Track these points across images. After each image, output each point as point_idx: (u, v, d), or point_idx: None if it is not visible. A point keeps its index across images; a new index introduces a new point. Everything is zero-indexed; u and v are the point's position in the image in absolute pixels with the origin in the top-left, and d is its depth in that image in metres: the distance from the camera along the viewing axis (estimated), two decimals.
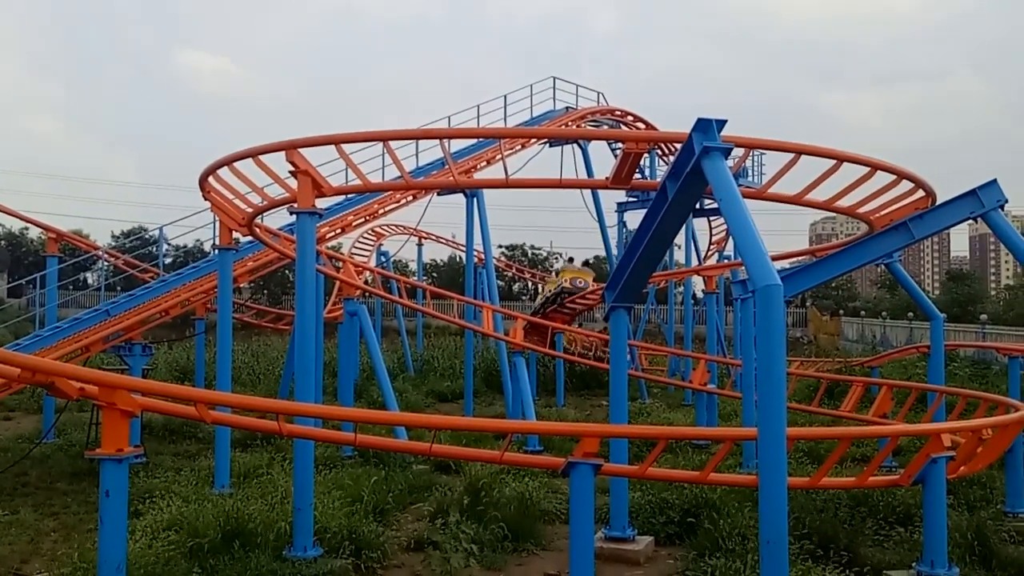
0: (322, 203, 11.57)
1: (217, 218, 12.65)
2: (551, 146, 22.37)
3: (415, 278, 37.54)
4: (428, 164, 19.95)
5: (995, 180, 10.39)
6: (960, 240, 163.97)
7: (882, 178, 10.71)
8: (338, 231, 19.64)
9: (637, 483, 10.89)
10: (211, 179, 11.42)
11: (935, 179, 11.31)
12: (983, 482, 11.44)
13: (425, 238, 34.48)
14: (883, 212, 11.38)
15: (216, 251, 13.61)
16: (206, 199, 12.26)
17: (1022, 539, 9.68)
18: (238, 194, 11.81)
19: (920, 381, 16.98)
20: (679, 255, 29.62)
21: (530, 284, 59.33)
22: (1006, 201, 10.36)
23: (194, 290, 17.33)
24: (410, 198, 20.12)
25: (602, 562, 8.82)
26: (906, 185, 10.91)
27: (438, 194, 20.40)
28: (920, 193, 11.13)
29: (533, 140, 20.27)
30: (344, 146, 10.11)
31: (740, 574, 7.32)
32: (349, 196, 17.85)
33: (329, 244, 23.34)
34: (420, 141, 15.55)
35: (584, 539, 7.04)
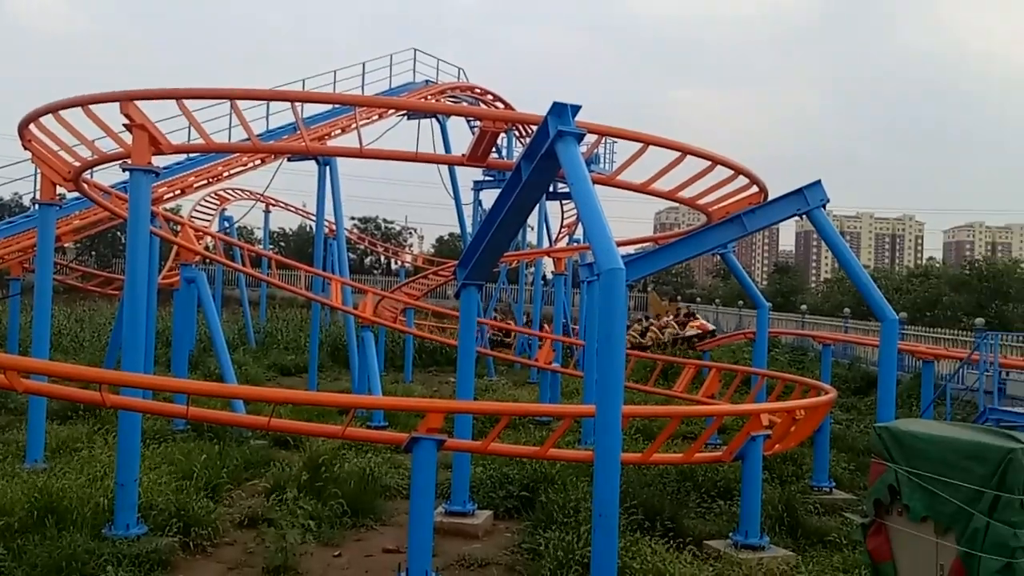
0: (161, 161, 10.92)
1: (39, 170, 11.62)
2: (409, 119, 22.08)
3: (261, 246, 36.17)
4: (279, 128, 19.22)
5: (819, 181, 11.16)
6: (788, 235, 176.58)
7: (721, 172, 11.35)
8: (177, 192, 18.61)
9: (480, 458, 11.04)
10: (33, 127, 10.49)
11: (769, 177, 12.09)
12: (795, 459, 12.40)
13: (273, 205, 33.24)
14: (720, 205, 12.04)
15: (36, 206, 12.54)
16: (27, 148, 11.24)
17: (824, 510, 10.59)
18: (64, 146, 10.92)
19: (746, 365, 18.15)
20: (531, 236, 30.19)
21: (383, 258, 58.64)
22: (828, 201, 11.14)
23: (9, 248, 15.92)
24: (258, 162, 19.34)
25: (441, 536, 8.90)
26: (742, 180, 11.60)
27: (288, 160, 19.68)
28: (754, 189, 11.86)
29: (390, 111, 19.95)
30: (188, 103, 9.55)
31: (573, 545, 7.57)
32: (191, 156, 16.94)
33: (167, 206, 22.05)
34: (271, 103, 14.95)
35: (424, 514, 7.07)
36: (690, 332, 25.83)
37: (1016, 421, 11.34)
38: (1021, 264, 51.72)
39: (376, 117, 20.19)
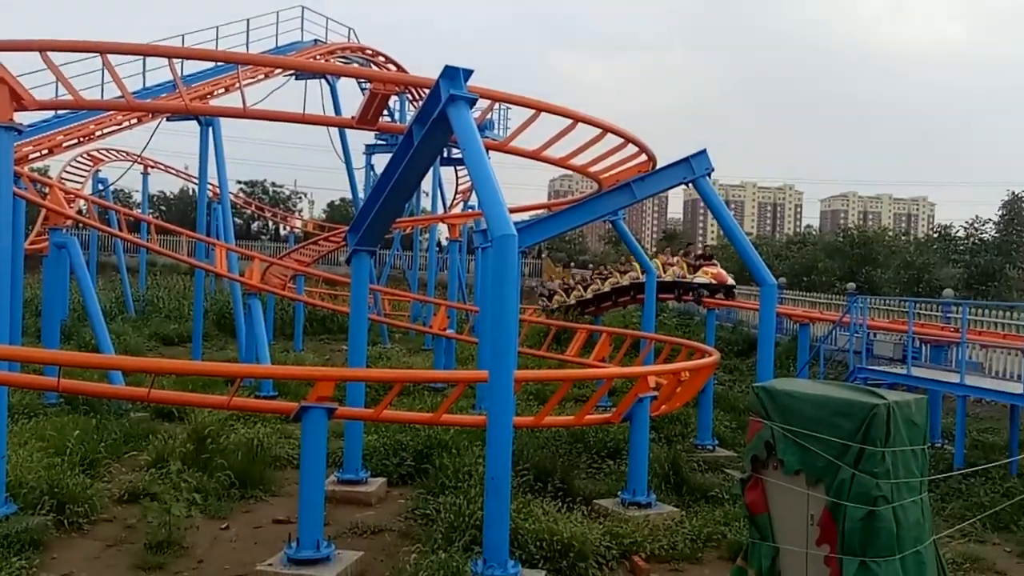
0: (25, 118, 10.18)
1: None
2: (297, 79, 21.36)
3: (139, 210, 34.42)
4: (157, 85, 18.23)
5: (705, 151, 11.50)
6: (676, 203, 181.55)
7: (612, 140, 11.49)
8: (44, 151, 17.39)
9: (373, 426, 10.97)
10: None
11: (657, 145, 12.34)
12: (681, 419, 12.89)
13: (152, 167, 31.64)
14: (611, 172, 12.21)
15: None
16: None
17: (708, 467, 11.08)
18: None
19: (636, 329, 18.65)
20: (426, 202, 29.89)
21: (271, 223, 56.90)
22: (712, 169, 11.49)
23: None
24: (134, 121, 18.28)
25: (334, 505, 8.82)
26: (632, 149, 11.79)
27: (167, 119, 18.70)
28: (643, 157, 12.07)
29: (277, 70, 19.22)
30: (53, 56, 8.91)
31: (465, 509, 7.64)
32: (59, 113, 15.86)
33: (34, 166, 20.64)
34: (147, 58, 14.11)
35: (314, 483, 6.97)
36: (699, 279, 19.58)
37: (882, 379, 12.12)
38: (889, 232, 55.07)
39: (262, 76, 19.42)
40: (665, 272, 19.96)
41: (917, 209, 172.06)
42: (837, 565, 5.29)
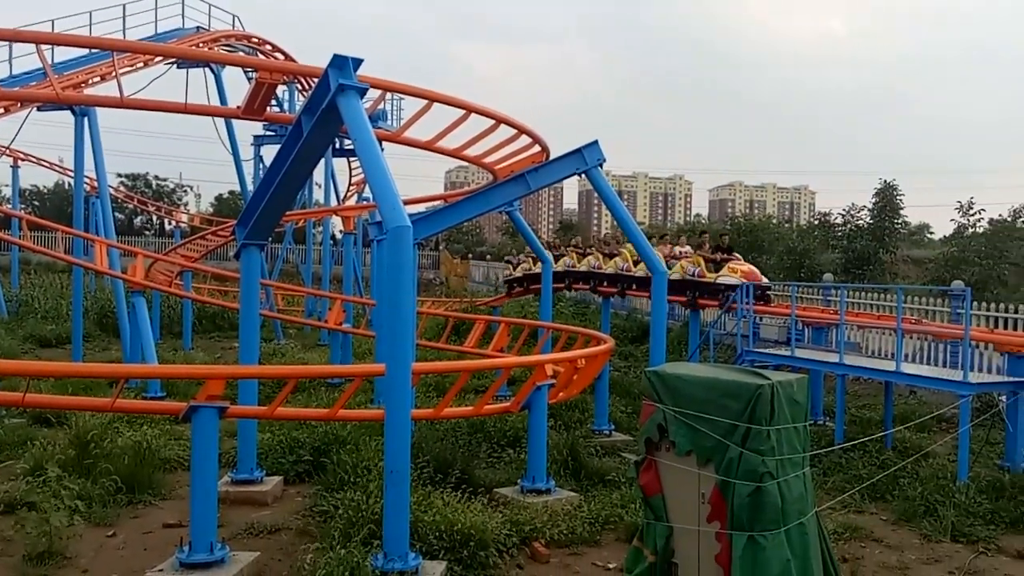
0: None
1: None
2: (179, 67, 20.49)
3: (9, 206, 32.34)
4: (25, 73, 17.18)
5: (596, 141, 11.68)
6: (571, 193, 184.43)
7: (506, 132, 11.56)
8: None
9: (268, 424, 10.69)
10: None
11: (553, 137, 12.49)
12: (578, 405, 13.12)
13: (23, 159, 29.77)
14: (505, 163, 12.28)
15: None
16: None
17: (605, 452, 11.32)
18: None
19: (533, 319, 18.85)
20: (318, 194, 29.26)
21: (155, 218, 54.52)
22: (604, 160, 11.69)
23: None
24: (1, 111, 17.15)
25: (228, 506, 8.56)
26: (526, 140, 11.88)
27: (38, 109, 17.63)
28: (537, 148, 12.19)
29: (156, 58, 18.38)
30: None
31: (364, 504, 7.55)
32: None
33: None
34: (14, 44, 13.26)
35: (206, 484, 6.73)
36: (725, 278, 15.68)
37: (767, 361, 12.66)
38: (773, 220, 57.49)
39: (141, 64, 18.54)
40: (635, 266, 18.01)
41: (799, 198, 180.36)
42: (727, 540, 5.50)
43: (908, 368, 12.28)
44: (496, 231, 77.60)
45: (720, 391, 5.71)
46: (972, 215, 35.52)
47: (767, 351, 13.44)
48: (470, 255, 50.69)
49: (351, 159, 29.12)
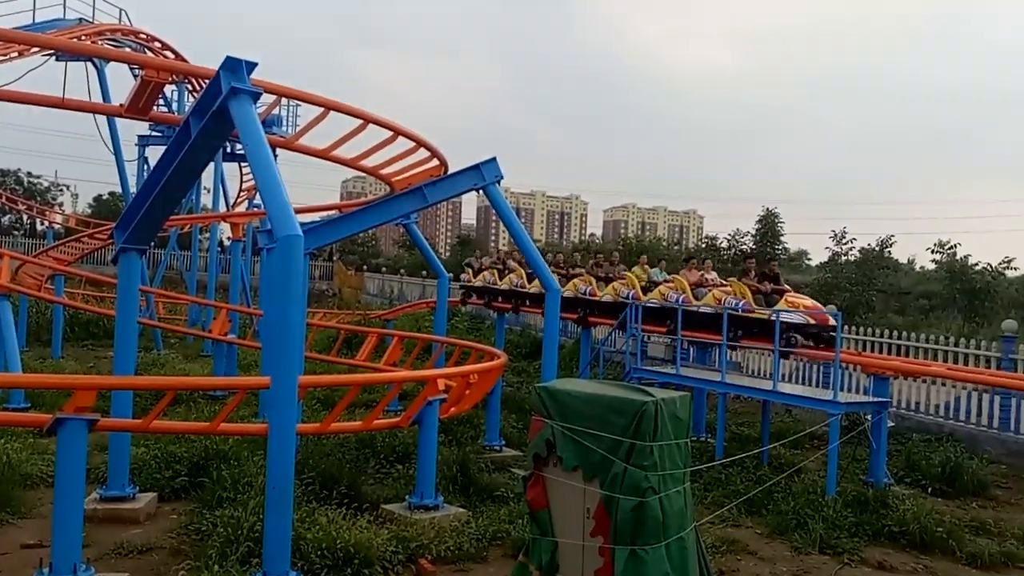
0: None
1: None
2: (58, 59, 19.42)
3: None
4: None
5: (495, 158, 11.78)
6: (470, 209, 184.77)
7: (404, 144, 11.48)
8: None
9: (143, 438, 10.20)
10: None
11: (452, 151, 12.49)
12: (470, 421, 13.10)
13: None
14: (402, 176, 12.20)
15: None
16: None
17: (495, 467, 11.33)
18: None
19: (428, 333, 18.73)
20: (207, 199, 28.25)
21: (26, 217, 51.33)
22: (502, 177, 11.80)
23: None
24: None
25: (95, 524, 8.10)
26: (424, 153, 11.83)
27: None
28: (435, 162, 12.16)
29: (33, 49, 17.34)
30: None
31: (244, 521, 7.29)
32: None
33: None
34: None
35: (71, 501, 6.34)
36: (789, 316, 12.44)
37: (654, 378, 13.00)
38: (663, 242, 59.32)
39: (15, 55, 17.46)
40: (643, 289, 15.98)
41: (688, 221, 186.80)
42: (610, 554, 5.59)
43: (784, 387, 12.88)
44: (393, 244, 76.87)
45: (606, 407, 5.81)
46: (845, 243, 37.58)
47: (654, 369, 13.81)
48: (365, 267, 50.02)
49: (242, 164, 28.27)
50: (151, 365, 18.86)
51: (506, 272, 20.70)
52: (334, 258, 51.75)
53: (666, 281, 15.98)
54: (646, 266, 17.36)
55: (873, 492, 10.17)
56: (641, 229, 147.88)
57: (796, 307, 12.81)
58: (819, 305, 13.44)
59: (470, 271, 22.91)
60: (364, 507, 8.62)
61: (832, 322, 12.37)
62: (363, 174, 13.80)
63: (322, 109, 9.99)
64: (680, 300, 14.69)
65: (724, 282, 15.05)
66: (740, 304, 13.56)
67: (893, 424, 13.29)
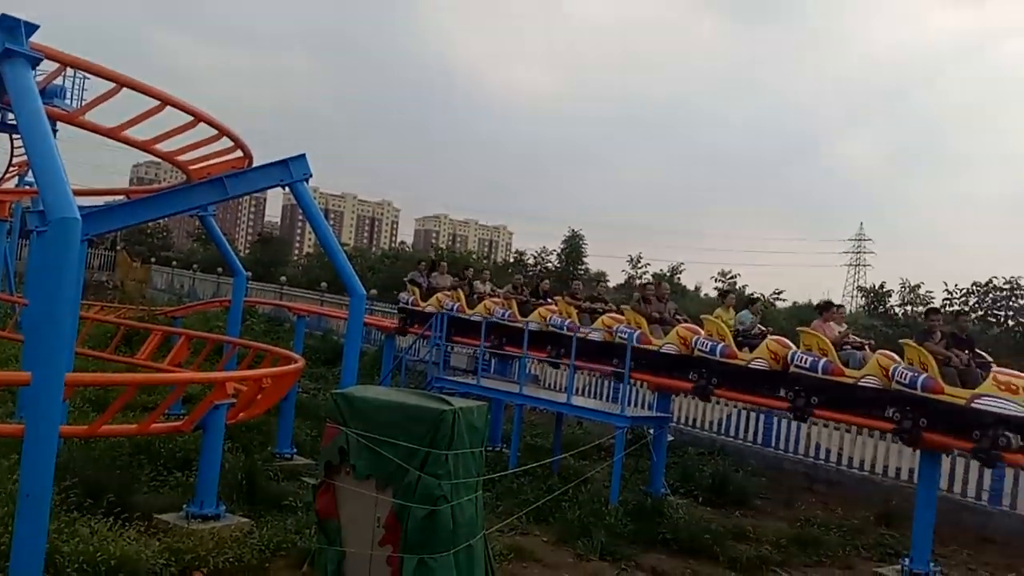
0: None
1: None
2: None
3: None
4: None
5: (304, 155, 11.38)
6: (275, 206, 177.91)
7: (206, 131, 10.82)
8: None
9: None
10: None
11: (258, 144, 11.91)
12: (261, 427, 12.53)
13: None
14: (202, 164, 11.52)
15: None
16: None
17: (284, 476, 10.90)
18: None
19: (221, 333, 17.73)
20: None
21: None
22: (310, 175, 11.42)
23: None
24: None
25: None
26: (227, 142, 11.22)
27: None
28: (239, 153, 11.57)
29: None
30: None
31: None
32: None
33: None
34: None
35: None
36: (994, 404, 8.80)
37: (455, 388, 13.07)
38: (473, 255, 60.32)
39: None
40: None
41: (498, 236, 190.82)
42: (398, 563, 5.52)
43: (578, 401, 13.42)
44: (187, 237, 72.50)
45: (405, 415, 5.77)
46: (640, 267, 40.03)
47: (455, 379, 13.90)
48: (153, 259, 46.72)
49: (14, 136, 25.45)
50: None
51: (475, 295, 16.72)
52: (118, 247, 47.95)
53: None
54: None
55: (651, 501, 10.79)
56: (452, 240, 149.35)
57: (1015, 391, 8.82)
58: None
59: (416, 290, 17.97)
60: (135, 517, 7.97)
61: None
62: (157, 159, 12.89)
63: (114, 84, 9.20)
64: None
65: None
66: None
67: (673, 438, 14.21)
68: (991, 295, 27.76)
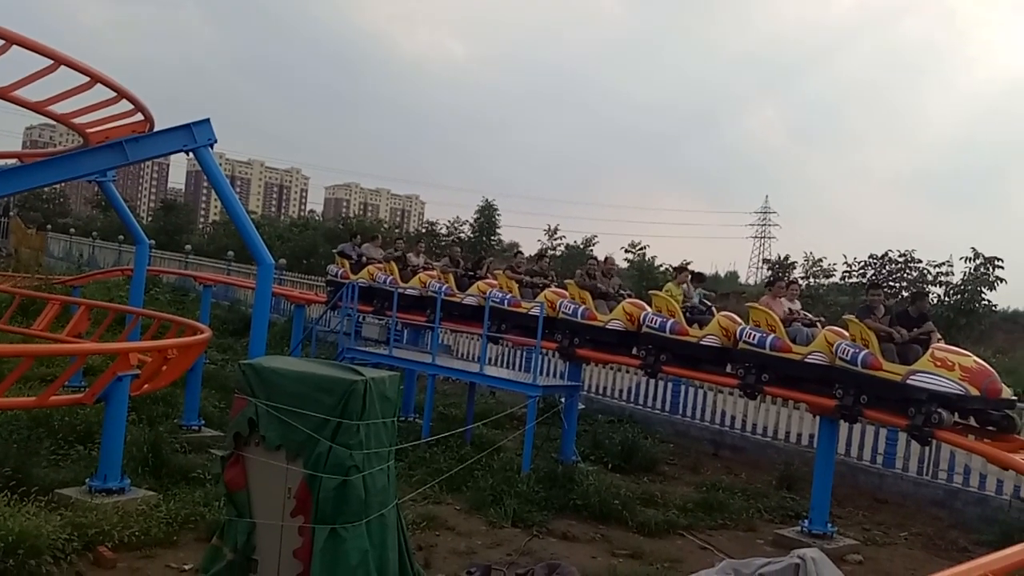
0: None
1: None
2: None
3: None
4: None
5: (208, 120, 10.98)
6: (179, 173, 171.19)
7: (103, 93, 10.34)
8: None
9: None
10: None
11: (160, 109, 11.45)
12: (166, 399, 12.23)
13: None
14: (99, 128, 11.01)
15: None
16: None
17: (191, 448, 10.71)
18: None
19: (123, 303, 17.11)
20: None
21: None
22: (215, 141, 11.04)
23: None
24: None
25: None
26: (127, 105, 10.75)
27: None
28: (139, 117, 11.09)
29: None
30: None
31: None
32: None
33: None
34: None
35: None
36: (934, 382, 8.85)
37: (367, 359, 13.02)
38: (385, 224, 59.60)
39: None
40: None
41: (411, 206, 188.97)
42: (309, 534, 5.55)
43: (490, 371, 13.58)
44: (85, 203, 69.13)
45: (315, 386, 5.75)
46: (556, 239, 40.47)
47: (367, 349, 13.84)
48: (49, 226, 44.50)
49: None
50: None
51: (408, 268, 16.19)
52: (11, 213, 45.45)
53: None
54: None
55: (563, 469, 11.06)
56: (363, 210, 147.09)
57: (951, 368, 8.85)
58: (987, 367, 9.07)
59: (346, 263, 17.31)
60: (34, 491, 7.72)
61: (1007, 394, 8.91)
62: (52, 122, 12.24)
63: (3, 42, 8.69)
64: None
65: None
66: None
67: (584, 407, 14.55)
68: (887, 267, 29.24)
